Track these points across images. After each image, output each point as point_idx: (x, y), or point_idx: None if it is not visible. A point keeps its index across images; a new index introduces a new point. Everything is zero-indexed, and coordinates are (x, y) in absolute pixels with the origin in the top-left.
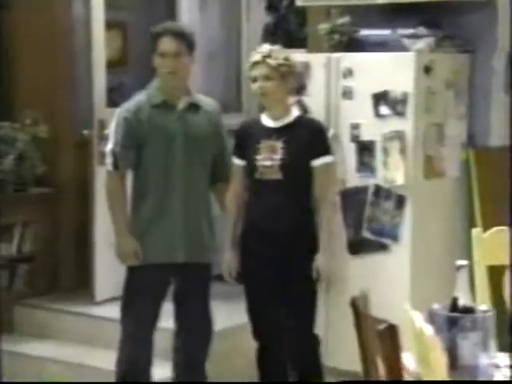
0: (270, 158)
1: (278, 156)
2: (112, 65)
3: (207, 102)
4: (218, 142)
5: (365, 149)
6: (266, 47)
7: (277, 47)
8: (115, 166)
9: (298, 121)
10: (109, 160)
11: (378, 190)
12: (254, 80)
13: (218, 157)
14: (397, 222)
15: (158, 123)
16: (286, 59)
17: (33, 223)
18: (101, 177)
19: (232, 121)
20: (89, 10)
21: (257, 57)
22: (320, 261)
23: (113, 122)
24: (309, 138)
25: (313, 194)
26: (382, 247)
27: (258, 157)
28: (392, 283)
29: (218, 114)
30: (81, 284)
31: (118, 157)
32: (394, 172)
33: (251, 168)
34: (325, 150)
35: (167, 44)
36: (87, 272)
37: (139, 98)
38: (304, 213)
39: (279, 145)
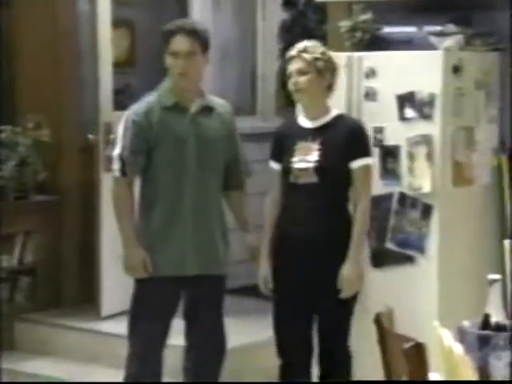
0: (304, 160)
1: (314, 158)
2: (119, 65)
3: (220, 104)
4: (232, 145)
5: (389, 154)
6: (303, 43)
7: (314, 42)
8: (123, 172)
9: (337, 120)
10: (116, 166)
11: (402, 198)
12: (289, 77)
13: (231, 162)
14: (423, 232)
15: (170, 126)
16: (323, 54)
17: (35, 233)
18: (107, 183)
19: (246, 124)
20: (94, 6)
21: (292, 52)
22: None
23: (120, 125)
24: (347, 138)
25: (351, 199)
26: (408, 259)
27: (293, 159)
28: (418, 298)
29: (231, 116)
30: (85, 298)
31: (126, 162)
32: (420, 179)
33: (286, 171)
34: (364, 150)
35: (180, 43)
36: (92, 285)
37: (149, 99)
38: (342, 219)
39: (315, 146)
